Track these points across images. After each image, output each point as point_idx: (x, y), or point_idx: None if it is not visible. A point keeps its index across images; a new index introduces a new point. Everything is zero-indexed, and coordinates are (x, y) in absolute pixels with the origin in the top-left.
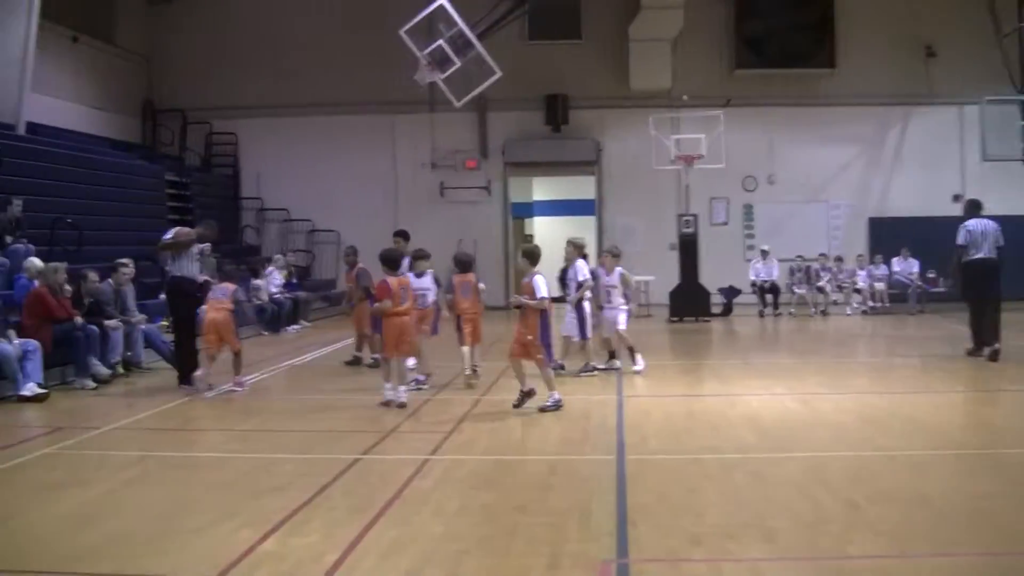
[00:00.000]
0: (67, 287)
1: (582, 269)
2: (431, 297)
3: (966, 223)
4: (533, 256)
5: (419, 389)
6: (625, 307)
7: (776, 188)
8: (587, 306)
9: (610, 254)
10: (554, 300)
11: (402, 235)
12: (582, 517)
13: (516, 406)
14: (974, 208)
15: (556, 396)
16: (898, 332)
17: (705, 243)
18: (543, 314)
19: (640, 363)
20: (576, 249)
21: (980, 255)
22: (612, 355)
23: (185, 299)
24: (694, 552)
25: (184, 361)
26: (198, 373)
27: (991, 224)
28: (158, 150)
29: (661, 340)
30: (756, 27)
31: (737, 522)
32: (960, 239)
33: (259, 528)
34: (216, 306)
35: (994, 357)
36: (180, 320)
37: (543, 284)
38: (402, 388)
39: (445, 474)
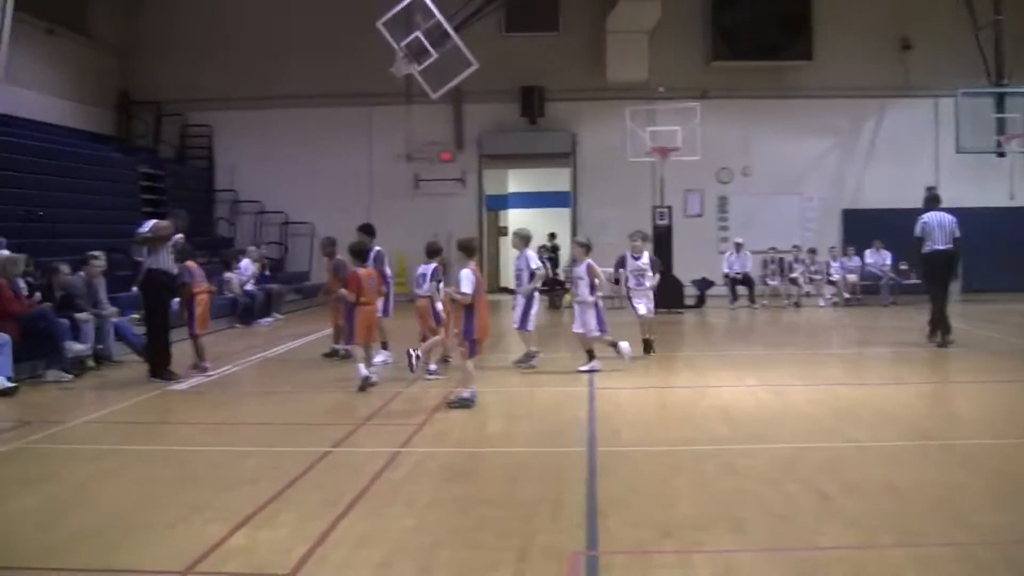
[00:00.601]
0: (25, 280)
1: (532, 258)
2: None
3: (923, 216)
4: (468, 249)
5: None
6: (591, 299)
7: (751, 180)
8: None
9: (577, 244)
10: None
11: (365, 229)
12: (553, 509)
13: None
14: (932, 202)
15: (464, 393)
16: (870, 324)
17: (679, 235)
18: (467, 308)
19: (590, 365)
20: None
21: (937, 247)
22: (591, 355)
23: (160, 291)
24: (664, 544)
25: (156, 354)
26: None
27: (948, 217)
28: (132, 142)
29: (634, 332)
30: (733, 19)
31: (708, 513)
32: (916, 231)
33: (229, 522)
34: (207, 289)
35: (943, 344)
36: (153, 312)
37: (466, 278)
38: (372, 369)
39: (416, 467)
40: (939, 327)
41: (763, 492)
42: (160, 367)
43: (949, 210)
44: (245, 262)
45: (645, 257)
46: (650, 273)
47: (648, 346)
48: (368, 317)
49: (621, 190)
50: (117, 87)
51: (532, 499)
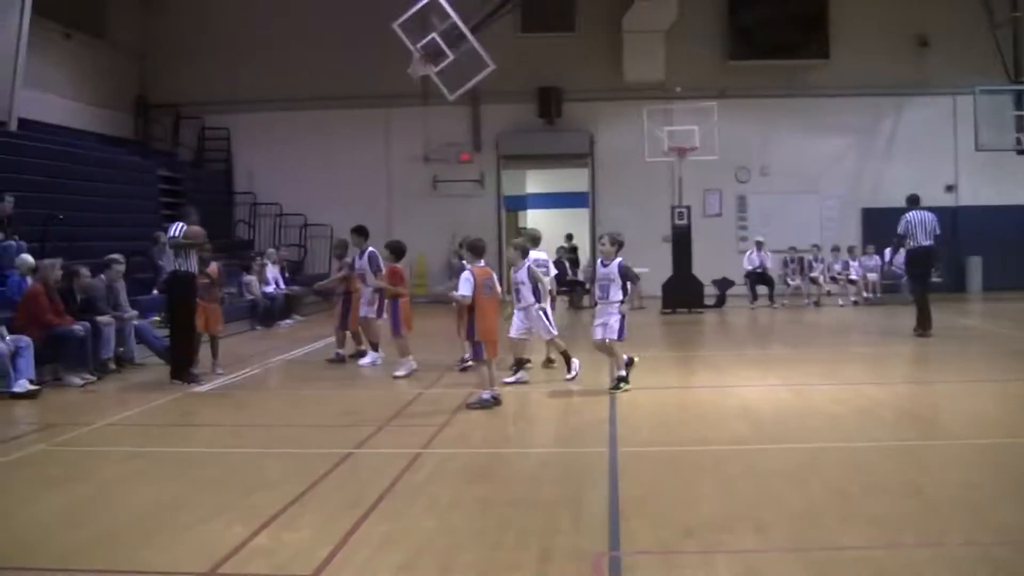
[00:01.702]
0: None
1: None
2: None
3: (905, 214)
4: (474, 249)
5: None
6: (533, 306)
7: (769, 179)
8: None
9: (513, 247)
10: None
11: (359, 231)
12: (574, 510)
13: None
14: (913, 202)
15: (484, 395)
16: (891, 322)
17: (698, 235)
18: (470, 310)
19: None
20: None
21: (920, 243)
22: (519, 364)
23: (184, 293)
24: (686, 544)
25: (179, 356)
26: None
27: (929, 215)
28: (151, 146)
29: (654, 332)
30: (749, 18)
31: (729, 514)
32: (899, 229)
33: (251, 523)
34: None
35: (922, 335)
36: (178, 314)
37: (465, 280)
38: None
39: (437, 468)
40: (922, 319)
41: (785, 492)
42: (181, 369)
43: (971, 207)
44: (267, 264)
45: (615, 265)
46: (618, 283)
47: (567, 364)
48: (408, 309)
49: (639, 190)
50: (135, 90)
51: (554, 500)
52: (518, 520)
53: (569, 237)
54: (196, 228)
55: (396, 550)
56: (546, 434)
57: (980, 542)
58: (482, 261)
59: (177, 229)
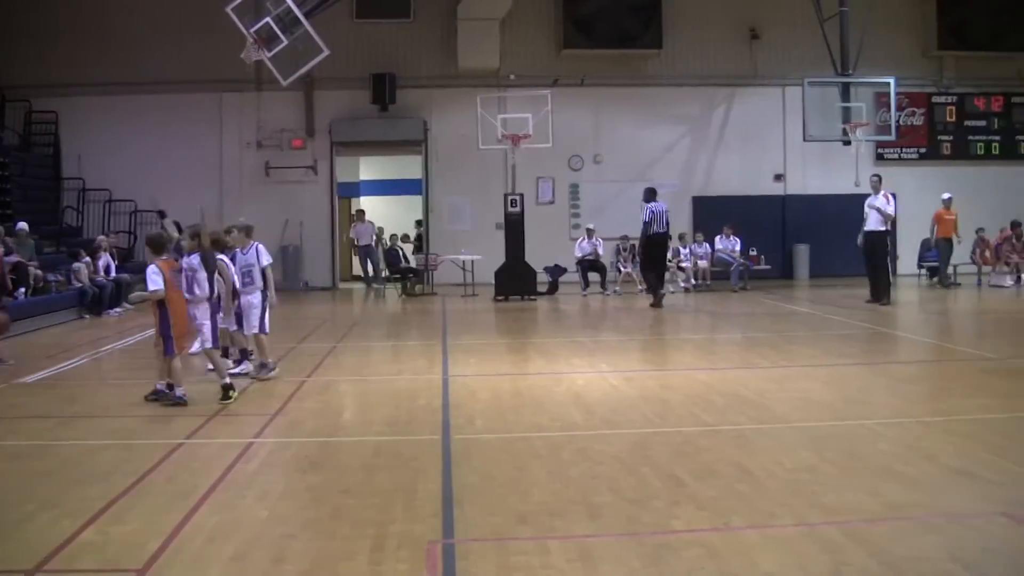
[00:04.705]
0: None
1: (264, 253)
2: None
3: (649, 205)
4: (155, 244)
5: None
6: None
7: (602, 167)
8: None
9: (237, 228)
10: None
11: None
12: (407, 498)
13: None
14: (652, 194)
15: (178, 392)
16: (721, 309)
17: (531, 222)
18: (160, 305)
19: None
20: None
21: (660, 230)
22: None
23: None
24: (520, 530)
25: None
26: None
27: (664, 206)
28: None
29: (487, 319)
30: (584, 8)
31: (563, 499)
32: (646, 217)
33: (79, 517)
34: None
35: (656, 304)
36: None
37: (152, 275)
38: None
39: (270, 457)
40: (655, 294)
41: (617, 477)
42: None
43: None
44: (102, 252)
45: (254, 252)
46: (258, 269)
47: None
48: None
49: (474, 177)
50: None
51: (387, 488)
52: (351, 509)
53: (419, 223)
54: None
55: (228, 541)
56: (378, 422)
57: (809, 522)
58: (164, 255)
59: None
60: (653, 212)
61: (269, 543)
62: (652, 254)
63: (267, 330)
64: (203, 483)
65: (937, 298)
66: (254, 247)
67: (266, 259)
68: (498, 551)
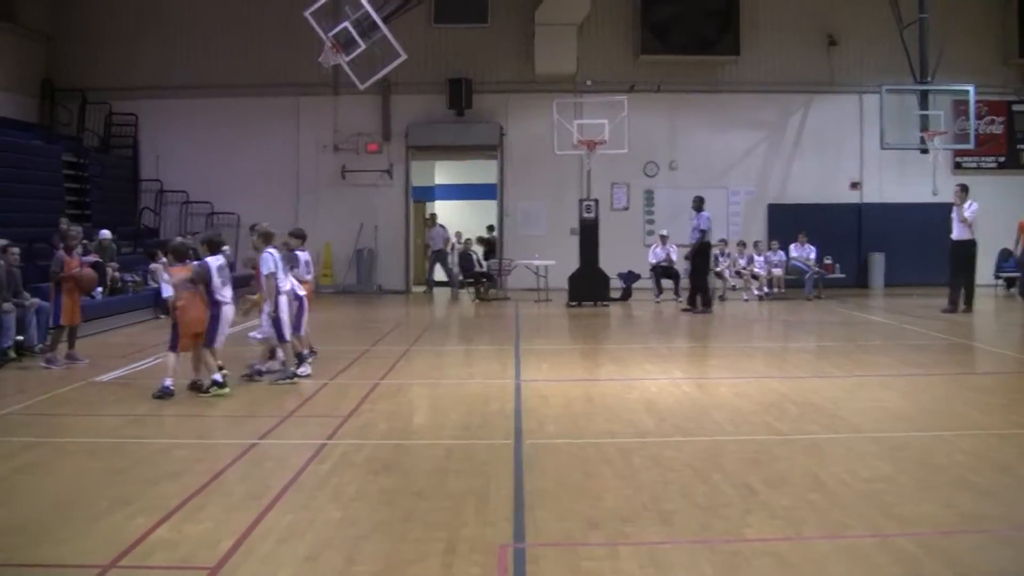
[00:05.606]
0: None
1: (268, 260)
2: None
3: (705, 213)
4: (176, 253)
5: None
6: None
7: (677, 174)
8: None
9: (256, 233)
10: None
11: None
12: (479, 502)
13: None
14: (702, 202)
15: (166, 382)
16: (795, 317)
17: (605, 228)
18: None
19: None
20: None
21: (709, 239)
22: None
23: None
24: (591, 536)
25: None
26: None
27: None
28: (56, 131)
29: (560, 324)
30: (662, 13)
31: (634, 506)
32: (703, 225)
33: (154, 515)
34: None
35: (704, 311)
36: None
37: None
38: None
39: (343, 459)
40: (703, 299)
41: (689, 484)
42: None
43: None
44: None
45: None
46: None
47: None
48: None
49: (548, 183)
50: (41, 74)
51: (459, 491)
52: (423, 512)
53: (491, 228)
54: None
55: (300, 542)
56: (451, 425)
57: (882, 534)
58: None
59: None
60: (709, 221)
61: (341, 544)
62: (705, 262)
63: (286, 337)
64: (276, 483)
65: (1015, 308)
66: (265, 254)
67: (267, 268)
68: (569, 556)
